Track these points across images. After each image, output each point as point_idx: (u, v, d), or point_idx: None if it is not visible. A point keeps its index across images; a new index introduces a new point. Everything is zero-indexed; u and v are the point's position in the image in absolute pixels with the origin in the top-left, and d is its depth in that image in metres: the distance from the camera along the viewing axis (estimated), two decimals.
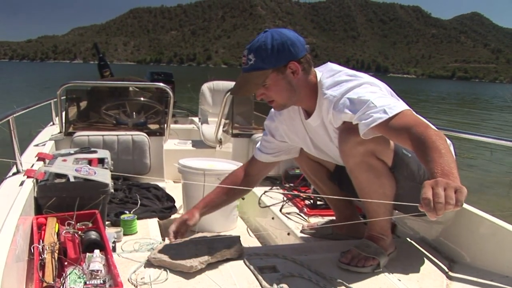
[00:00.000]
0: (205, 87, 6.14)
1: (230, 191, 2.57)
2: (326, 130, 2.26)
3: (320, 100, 2.18)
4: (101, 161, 3.01)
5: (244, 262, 2.23)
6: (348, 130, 2.06)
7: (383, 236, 2.31)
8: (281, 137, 2.56)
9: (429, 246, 2.67)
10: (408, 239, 2.76)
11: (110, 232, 2.57)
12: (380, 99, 1.96)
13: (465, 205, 2.54)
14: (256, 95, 2.23)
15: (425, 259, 2.48)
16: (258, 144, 2.69)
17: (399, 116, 1.88)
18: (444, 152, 1.63)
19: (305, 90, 2.20)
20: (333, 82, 2.15)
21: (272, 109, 2.50)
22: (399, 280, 2.16)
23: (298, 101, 2.26)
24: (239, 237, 2.38)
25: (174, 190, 3.97)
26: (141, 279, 2.02)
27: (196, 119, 6.49)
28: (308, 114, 2.31)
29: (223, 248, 2.23)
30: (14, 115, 2.86)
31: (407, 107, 1.97)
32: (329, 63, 2.30)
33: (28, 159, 3.13)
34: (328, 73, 2.21)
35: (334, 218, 2.99)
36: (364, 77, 2.16)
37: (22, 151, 3.12)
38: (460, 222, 2.56)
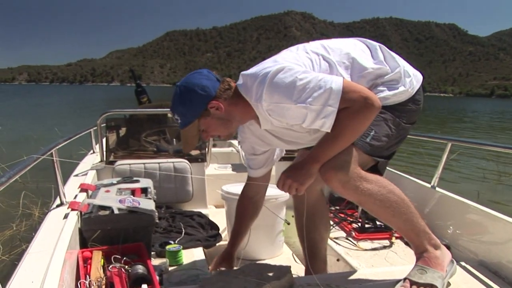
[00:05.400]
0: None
1: (249, 222, 2.79)
2: (284, 127, 2.22)
3: (255, 109, 2.13)
4: (144, 190, 2.98)
5: None
6: (324, 173, 2.09)
7: (428, 253, 2.21)
8: (259, 150, 2.57)
9: (489, 271, 2.54)
10: (463, 263, 2.62)
11: (156, 265, 2.53)
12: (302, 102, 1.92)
13: None
14: (204, 139, 2.35)
15: (484, 286, 2.35)
16: (247, 163, 2.71)
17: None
18: (331, 143, 2.00)
19: (239, 111, 2.18)
20: (251, 93, 2.08)
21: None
22: None
23: (241, 121, 2.28)
24: (289, 267, 2.29)
25: (217, 215, 3.91)
26: None
27: (235, 142, 6.44)
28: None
29: (273, 279, 2.15)
30: (57, 147, 2.85)
31: (331, 83, 1.92)
32: (242, 75, 2.19)
33: (70, 189, 3.12)
34: (244, 85, 2.14)
35: (387, 242, 2.91)
36: (266, 66, 2.05)
37: (64, 179, 3.10)
38: None
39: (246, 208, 2.75)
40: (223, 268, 2.62)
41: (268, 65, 2.05)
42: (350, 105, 1.91)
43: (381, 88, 2.17)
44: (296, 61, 2.07)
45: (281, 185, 2.14)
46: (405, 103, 2.23)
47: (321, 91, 1.89)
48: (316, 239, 2.70)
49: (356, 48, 2.23)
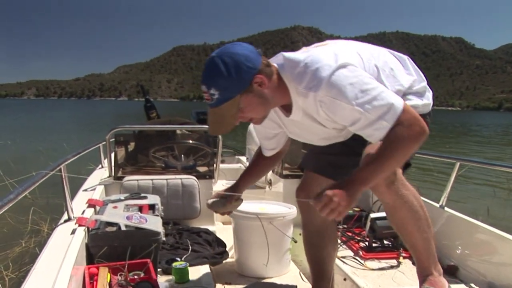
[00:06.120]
0: (252, 126, 6.08)
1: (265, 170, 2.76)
2: (312, 118, 2.09)
3: (294, 96, 2.02)
4: (151, 207, 2.98)
5: None
6: None
7: (433, 276, 2.23)
8: (270, 133, 2.47)
9: None
10: (473, 284, 2.60)
11: (162, 282, 2.51)
12: (367, 111, 1.84)
13: None
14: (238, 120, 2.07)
15: None
16: (261, 145, 2.63)
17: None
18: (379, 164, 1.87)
19: (277, 93, 2.03)
20: (303, 78, 1.94)
21: None
22: None
23: (276, 105, 2.13)
24: (296, 286, 2.28)
25: (224, 232, 3.89)
26: None
27: (243, 158, 6.44)
28: (286, 109, 2.15)
29: None
30: (66, 163, 2.85)
31: (393, 99, 1.86)
32: (283, 55, 2.08)
33: (78, 205, 3.12)
34: (291, 68, 2.00)
35: (395, 262, 2.90)
36: (326, 56, 1.94)
37: (72, 194, 3.11)
38: None
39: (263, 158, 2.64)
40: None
41: (327, 55, 1.94)
42: (404, 127, 1.85)
43: (410, 97, 2.16)
44: (354, 60, 1.99)
45: (322, 205, 1.88)
46: (424, 115, 2.19)
47: (382, 103, 1.84)
48: (324, 257, 2.68)
49: (391, 59, 2.21)
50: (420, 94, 2.20)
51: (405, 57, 2.27)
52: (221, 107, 1.94)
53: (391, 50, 2.29)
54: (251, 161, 2.71)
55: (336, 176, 2.49)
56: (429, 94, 2.24)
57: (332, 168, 2.51)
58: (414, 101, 2.14)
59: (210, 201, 2.57)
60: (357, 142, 2.18)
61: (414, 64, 2.27)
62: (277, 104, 2.13)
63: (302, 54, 2.01)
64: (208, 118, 2.04)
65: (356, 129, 1.91)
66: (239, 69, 1.87)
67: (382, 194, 2.10)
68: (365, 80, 1.87)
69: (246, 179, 2.66)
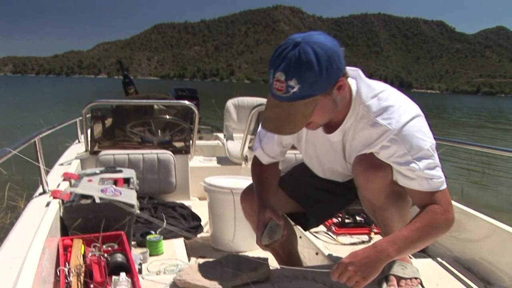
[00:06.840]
0: (230, 103, 6.10)
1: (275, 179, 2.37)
2: (343, 147, 2.03)
3: (350, 117, 1.89)
4: (126, 181, 2.99)
5: (272, 285, 2.17)
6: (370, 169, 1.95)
7: None
8: (286, 140, 2.24)
9: (463, 267, 2.58)
10: (439, 259, 2.67)
11: (136, 254, 2.54)
12: (433, 170, 1.83)
13: (501, 225, 2.47)
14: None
15: (458, 281, 2.39)
16: (259, 141, 2.31)
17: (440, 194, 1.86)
18: (406, 242, 1.79)
19: (342, 103, 1.83)
20: (382, 108, 1.83)
21: None
22: None
23: (333, 116, 1.88)
24: (267, 259, 2.31)
25: (200, 207, 3.92)
26: None
27: (221, 135, 6.45)
28: (328, 127, 1.98)
29: (250, 271, 2.17)
30: (40, 136, 2.85)
31: (442, 178, 1.86)
32: (360, 72, 1.91)
33: (54, 178, 3.12)
34: (367, 89, 1.88)
35: (366, 237, 2.96)
36: (407, 103, 1.89)
37: (48, 168, 3.11)
38: (496, 241, 2.47)
39: (269, 168, 2.35)
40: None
41: (406, 100, 1.90)
42: (443, 209, 1.83)
43: None
44: None
45: (338, 274, 1.77)
46: None
47: (436, 173, 1.83)
48: (284, 246, 2.60)
49: None
50: None
51: None
52: (295, 103, 1.66)
53: None
54: (259, 177, 2.36)
55: (308, 207, 2.49)
56: None
57: (307, 199, 2.47)
58: None
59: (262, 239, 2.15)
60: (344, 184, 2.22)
61: None
62: (334, 116, 1.88)
63: (379, 85, 1.91)
64: (268, 110, 1.76)
65: (399, 169, 1.86)
66: (330, 65, 1.62)
67: (374, 197, 2.05)
68: (432, 146, 1.83)
69: (269, 194, 2.28)
